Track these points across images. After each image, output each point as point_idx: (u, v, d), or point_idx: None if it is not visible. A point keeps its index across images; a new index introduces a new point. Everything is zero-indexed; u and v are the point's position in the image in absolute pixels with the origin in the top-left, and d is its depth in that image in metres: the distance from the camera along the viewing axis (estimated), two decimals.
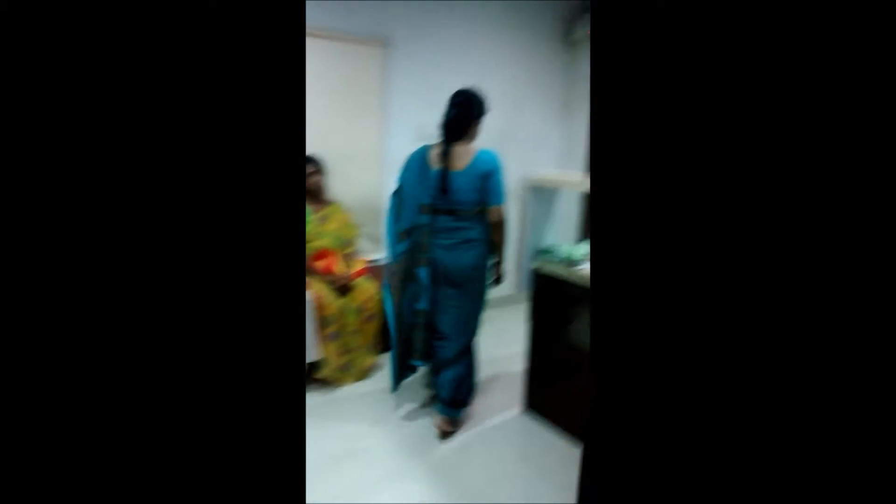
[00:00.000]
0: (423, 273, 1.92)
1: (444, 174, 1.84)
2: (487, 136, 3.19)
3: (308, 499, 1.63)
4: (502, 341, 2.97)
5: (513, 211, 2.74)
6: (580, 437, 1.97)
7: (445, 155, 1.85)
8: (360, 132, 2.88)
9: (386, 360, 2.67)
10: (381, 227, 3.07)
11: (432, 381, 2.17)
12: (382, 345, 2.58)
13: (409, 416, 2.17)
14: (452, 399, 2.01)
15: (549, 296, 2.05)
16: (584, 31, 3.30)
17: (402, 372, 2.17)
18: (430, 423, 2.11)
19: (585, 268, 1.87)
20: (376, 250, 3.09)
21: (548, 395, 2.12)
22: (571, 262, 1.90)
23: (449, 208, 1.86)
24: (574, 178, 1.96)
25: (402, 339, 2.06)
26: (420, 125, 3.06)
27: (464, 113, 1.86)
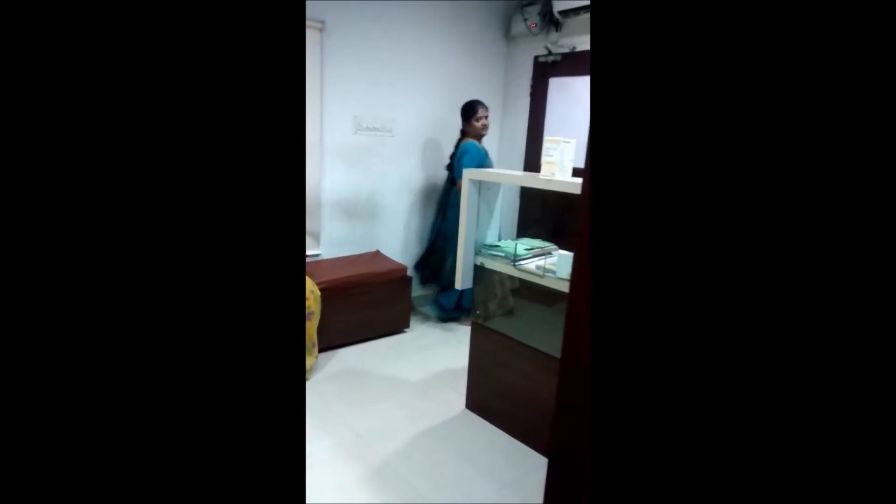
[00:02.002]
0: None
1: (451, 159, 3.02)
2: (430, 128, 3.14)
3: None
4: (446, 340, 2.96)
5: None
6: (519, 435, 2.00)
7: (456, 146, 3.01)
8: None
9: (322, 360, 2.57)
10: (318, 222, 2.95)
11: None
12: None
13: (349, 419, 2.10)
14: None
15: (492, 291, 2.05)
16: (522, 27, 3.32)
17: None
18: (370, 424, 2.06)
19: (528, 264, 1.88)
20: (313, 245, 2.96)
21: (488, 392, 2.13)
22: (515, 258, 1.91)
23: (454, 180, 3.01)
24: (514, 174, 1.97)
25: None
26: (357, 116, 2.96)
27: (462, 117, 2.99)
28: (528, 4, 3.26)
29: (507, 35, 3.53)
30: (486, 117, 2.93)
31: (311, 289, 2.40)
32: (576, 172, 1.74)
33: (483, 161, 2.91)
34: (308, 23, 2.63)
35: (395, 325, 2.94)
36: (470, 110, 2.93)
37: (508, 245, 2.02)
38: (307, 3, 2.60)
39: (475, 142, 2.93)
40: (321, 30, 2.68)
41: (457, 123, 3.08)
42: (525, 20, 3.28)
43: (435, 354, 2.73)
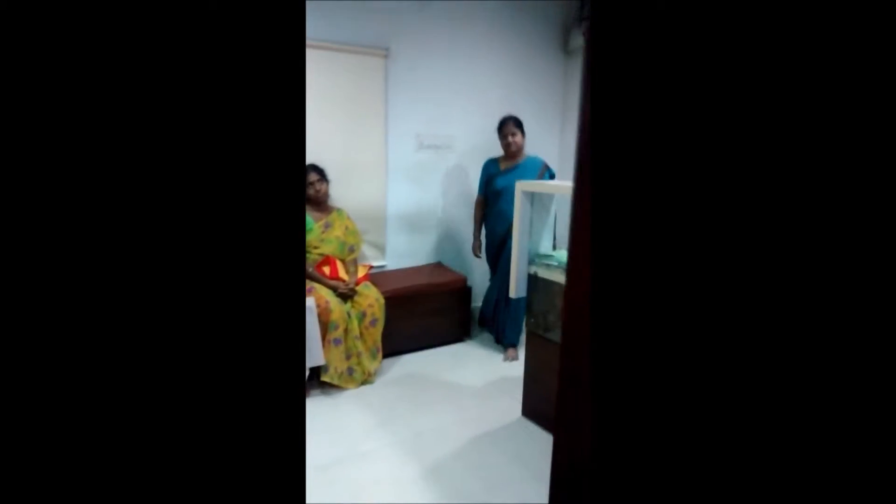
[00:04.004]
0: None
1: None
2: (489, 144, 3.26)
3: (308, 499, 1.67)
4: (502, 346, 3.00)
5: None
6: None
7: None
8: (363, 141, 2.94)
9: (386, 365, 2.71)
10: (384, 235, 3.13)
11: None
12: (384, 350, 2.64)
13: (409, 420, 2.21)
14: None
15: (546, 300, 2.09)
16: (581, 41, 3.34)
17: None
18: (428, 426, 2.16)
19: None
20: (378, 257, 3.14)
21: (544, 399, 2.15)
22: None
23: None
24: (565, 185, 2.02)
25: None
26: (419, 134, 3.13)
27: None
28: (587, 18, 3.29)
29: (566, 49, 3.58)
30: (513, 135, 2.78)
31: (377, 297, 2.56)
32: None
33: (490, 176, 2.86)
34: (373, 50, 2.84)
35: (455, 334, 3.03)
36: (498, 129, 2.86)
37: (562, 254, 2.06)
38: (373, 32, 2.82)
39: (496, 158, 2.90)
40: (385, 56, 2.88)
41: None
42: (583, 34, 3.30)
43: (493, 363, 2.79)
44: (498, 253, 2.89)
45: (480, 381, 2.59)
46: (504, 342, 2.96)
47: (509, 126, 2.79)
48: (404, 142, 3.10)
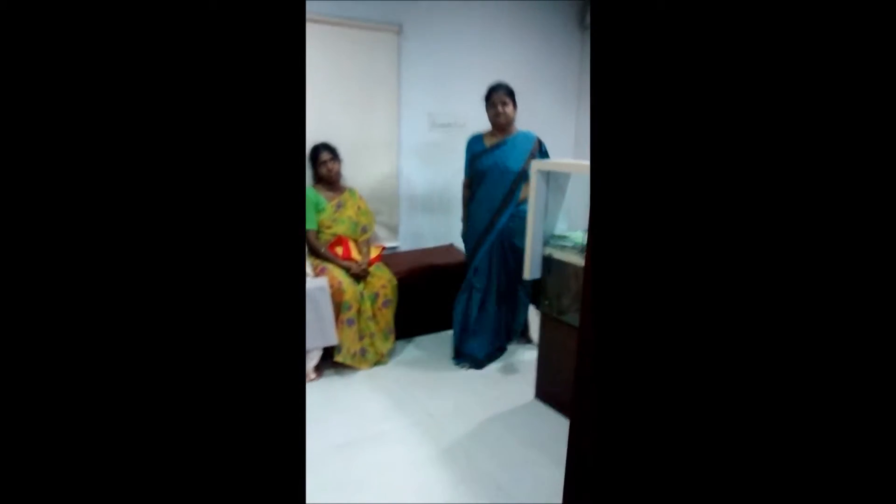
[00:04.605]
0: None
1: None
2: None
3: (322, 481, 1.69)
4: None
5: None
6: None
7: None
8: (375, 119, 2.90)
9: (399, 347, 2.71)
10: (396, 215, 3.10)
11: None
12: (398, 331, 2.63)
13: (423, 401, 2.21)
14: None
15: (561, 283, 2.06)
16: None
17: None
18: (442, 407, 2.16)
19: None
20: (391, 238, 3.12)
21: (559, 382, 2.14)
22: (584, 249, 1.91)
23: None
24: (586, 164, 1.97)
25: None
26: (431, 113, 3.07)
27: None
28: None
29: (583, 24, 3.48)
30: (504, 104, 2.34)
31: (389, 278, 2.55)
32: None
33: (475, 155, 2.46)
34: (386, 26, 2.77)
35: None
36: (486, 98, 2.41)
37: (577, 235, 2.02)
38: (385, 8, 2.75)
39: (481, 133, 2.49)
40: (398, 33, 2.82)
41: (526, 115, 3.09)
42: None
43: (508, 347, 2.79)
44: (477, 247, 2.46)
45: (494, 363, 2.58)
46: (464, 352, 2.50)
47: (499, 94, 2.36)
48: (417, 121, 3.04)
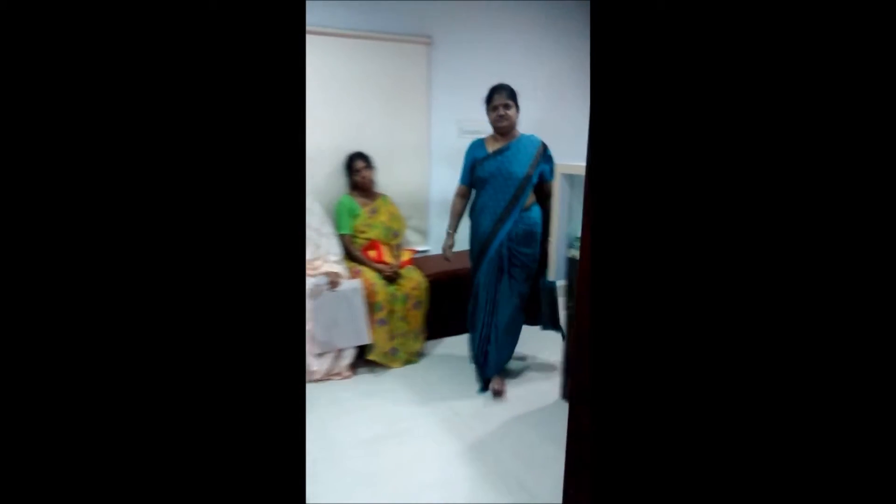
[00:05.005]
0: None
1: None
2: (531, 128, 3.23)
3: (348, 473, 1.77)
4: (546, 335, 3.01)
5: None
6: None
7: None
8: (406, 128, 3.00)
9: (429, 347, 2.79)
10: (427, 220, 3.18)
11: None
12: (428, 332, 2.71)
13: (450, 400, 2.27)
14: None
15: None
16: None
17: None
18: (469, 406, 2.22)
19: None
20: (421, 242, 3.21)
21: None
22: None
23: None
24: None
25: None
26: (461, 120, 3.14)
27: None
28: None
29: None
30: (506, 107, 2.17)
31: (420, 280, 2.63)
32: None
33: (476, 161, 2.27)
34: (416, 38, 2.88)
35: None
36: (487, 101, 2.24)
37: None
38: (415, 21, 2.85)
39: (482, 138, 2.32)
40: (428, 44, 2.91)
41: (558, 121, 3.11)
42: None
43: (533, 347, 2.81)
44: (480, 258, 2.28)
45: (520, 364, 2.61)
46: (486, 371, 2.32)
47: (500, 96, 2.18)
48: (446, 128, 3.13)
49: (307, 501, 1.18)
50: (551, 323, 2.40)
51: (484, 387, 2.35)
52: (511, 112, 2.19)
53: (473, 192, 2.37)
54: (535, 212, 2.29)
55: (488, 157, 2.25)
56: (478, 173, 2.27)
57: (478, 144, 2.32)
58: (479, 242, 2.29)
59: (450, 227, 2.42)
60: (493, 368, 2.31)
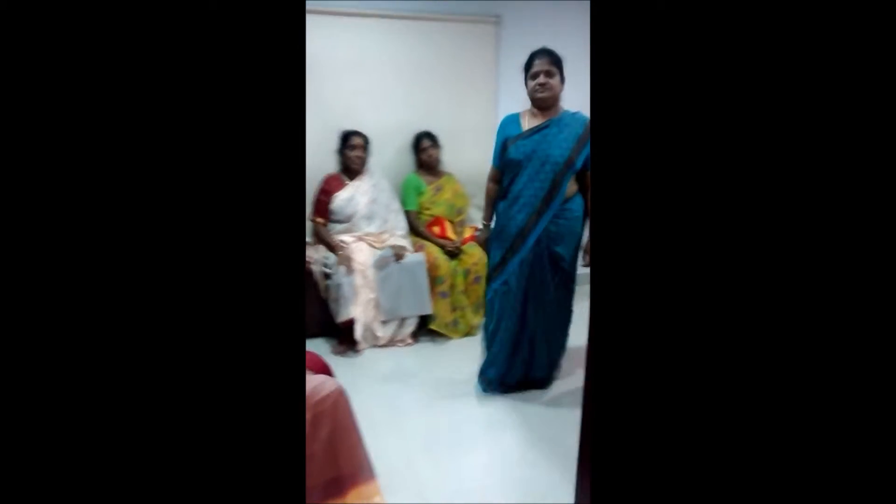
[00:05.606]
0: None
1: None
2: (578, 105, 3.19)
3: (407, 433, 1.90)
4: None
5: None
6: None
7: None
8: (473, 109, 3.07)
9: None
10: None
11: None
12: None
13: None
14: None
15: None
16: None
17: None
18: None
19: None
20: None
21: None
22: None
23: None
24: None
25: None
26: (524, 99, 3.15)
27: None
28: None
29: None
30: (548, 74, 1.77)
31: (481, 256, 2.72)
32: None
33: (508, 139, 1.87)
34: (484, 18, 2.92)
35: None
36: (525, 69, 1.86)
37: None
38: (480, 2, 2.89)
39: (517, 113, 1.93)
40: (496, 23, 2.95)
41: None
42: None
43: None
44: (508, 255, 1.89)
45: (580, 339, 2.63)
46: (532, 372, 2.01)
47: (542, 61, 1.79)
48: (514, 109, 3.14)
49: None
50: None
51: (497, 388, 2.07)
52: (554, 81, 1.79)
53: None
54: (578, 204, 1.89)
55: (523, 135, 1.85)
56: (510, 154, 1.86)
57: (512, 120, 1.92)
58: (509, 238, 1.88)
59: (485, 217, 2.07)
60: (543, 369, 2.05)
